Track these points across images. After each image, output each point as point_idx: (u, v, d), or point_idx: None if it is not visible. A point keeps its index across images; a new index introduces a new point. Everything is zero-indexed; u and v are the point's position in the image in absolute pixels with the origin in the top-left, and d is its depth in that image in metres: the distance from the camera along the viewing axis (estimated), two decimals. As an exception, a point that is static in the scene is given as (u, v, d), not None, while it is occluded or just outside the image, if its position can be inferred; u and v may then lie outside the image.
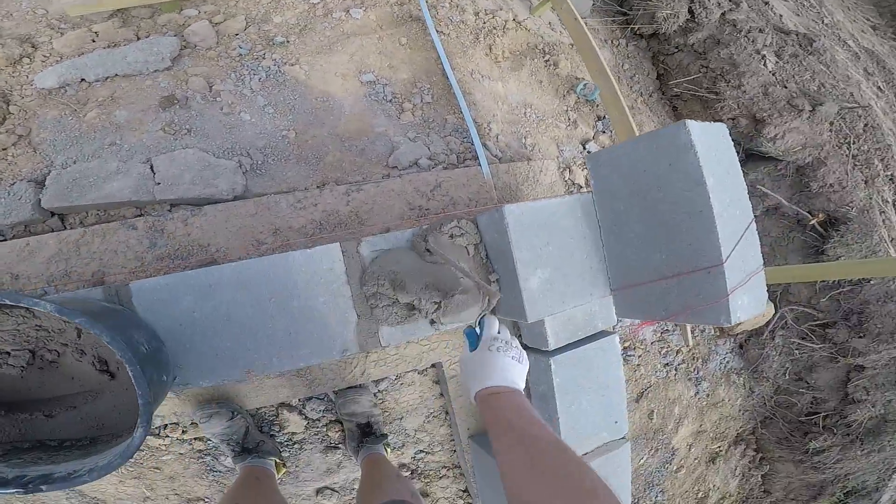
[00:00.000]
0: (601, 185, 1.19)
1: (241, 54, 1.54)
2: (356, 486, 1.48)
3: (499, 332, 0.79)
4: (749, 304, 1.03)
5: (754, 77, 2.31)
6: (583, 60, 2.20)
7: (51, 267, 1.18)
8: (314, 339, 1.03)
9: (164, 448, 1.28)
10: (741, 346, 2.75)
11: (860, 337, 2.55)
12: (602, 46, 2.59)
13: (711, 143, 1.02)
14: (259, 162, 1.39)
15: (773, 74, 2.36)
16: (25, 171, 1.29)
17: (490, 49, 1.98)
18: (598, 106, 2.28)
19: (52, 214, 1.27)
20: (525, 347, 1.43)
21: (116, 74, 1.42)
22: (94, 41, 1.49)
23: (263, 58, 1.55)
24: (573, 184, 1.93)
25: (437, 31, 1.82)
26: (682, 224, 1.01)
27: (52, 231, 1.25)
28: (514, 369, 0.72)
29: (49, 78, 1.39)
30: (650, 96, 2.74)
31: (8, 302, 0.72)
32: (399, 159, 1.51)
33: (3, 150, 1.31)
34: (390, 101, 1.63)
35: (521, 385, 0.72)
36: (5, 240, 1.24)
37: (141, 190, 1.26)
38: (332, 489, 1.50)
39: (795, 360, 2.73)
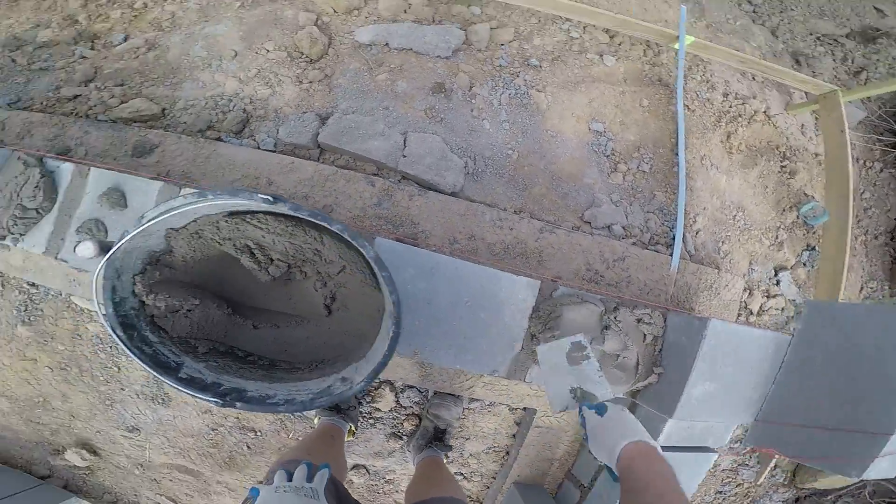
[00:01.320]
0: (808, 333, 1.16)
1: (501, 65, 1.65)
2: (388, 477, 1.57)
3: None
4: (886, 469, 1.03)
5: None
6: (826, 178, 1.90)
7: (298, 187, 1.45)
8: (480, 350, 1.14)
9: None
10: (797, 500, 2.33)
11: None
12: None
13: None
14: (480, 169, 1.51)
15: None
16: (317, 105, 1.59)
17: (728, 137, 1.81)
18: (814, 234, 1.96)
19: (318, 147, 1.55)
20: None
21: (411, 49, 1.64)
22: (405, 11, 1.72)
23: (517, 76, 1.65)
24: (746, 308, 1.73)
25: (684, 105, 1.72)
26: (875, 392, 1.02)
27: (311, 160, 1.53)
28: (640, 429, 0.75)
29: (366, 34, 1.66)
30: (875, 238, 2.27)
31: (347, 237, 0.82)
32: (595, 216, 1.51)
33: (310, 83, 1.62)
34: (608, 156, 1.62)
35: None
36: (275, 152, 1.56)
37: (391, 156, 1.47)
38: (368, 470, 1.58)
39: None
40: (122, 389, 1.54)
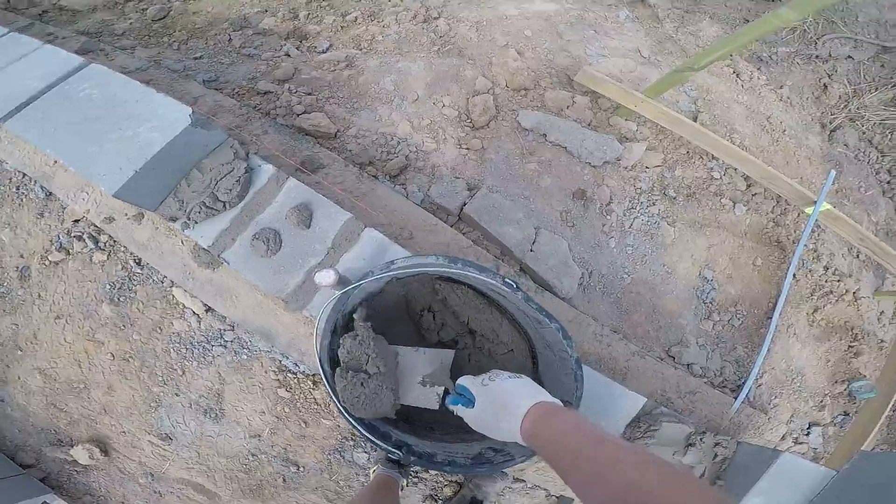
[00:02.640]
0: (853, 474, 1.27)
1: (641, 189, 1.73)
2: None
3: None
4: None
5: None
6: (886, 363, 1.97)
7: (433, 249, 1.52)
8: None
9: (322, 409, 1.40)
10: None
11: None
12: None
13: None
14: (593, 284, 1.63)
15: None
16: (467, 174, 1.69)
17: (815, 311, 1.89)
18: (855, 404, 2.05)
19: (458, 216, 1.67)
20: None
21: (566, 148, 1.72)
22: (568, 107, 1.79)
23: (653, 204, 1.73)
24: (775, 448, 1.86)
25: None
26: None
27: (448, 225, 1.64)
28: (526, 384, 0.65)
29: (529, 119, 1.74)
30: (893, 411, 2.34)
31: (561, 336, 0.81)
32: (682, 354, 1.63)
33: (468, 149, 1.73)
34: (706, 303, 1.72)
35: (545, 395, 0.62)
36: (420, 206, 1.61)
37: (519, 246, 1.59)
38: None
39: None
40: (177, 395, 1.44)
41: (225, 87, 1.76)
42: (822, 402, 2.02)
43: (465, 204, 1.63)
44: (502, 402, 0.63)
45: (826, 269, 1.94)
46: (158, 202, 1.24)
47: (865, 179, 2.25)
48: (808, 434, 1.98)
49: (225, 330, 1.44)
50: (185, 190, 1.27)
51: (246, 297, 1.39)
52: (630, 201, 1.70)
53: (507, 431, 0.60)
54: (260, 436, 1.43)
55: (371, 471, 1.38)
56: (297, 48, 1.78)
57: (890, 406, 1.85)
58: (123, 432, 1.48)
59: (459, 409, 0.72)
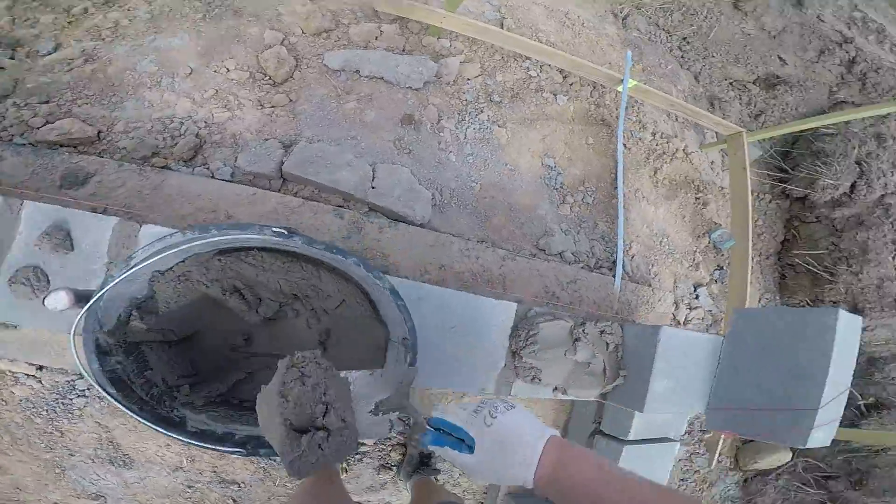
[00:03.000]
0: (737, 333, 1.37)
1: (467, 100, 1.70)
2: None
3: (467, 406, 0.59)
4: (821, 438, 1.23)
5: (877, 268, 2.20)
6: (731, 210, 2.20)
7: (261, 221, 1.37)
8: (468, 371, 1.19)
9: None
10: (745, 481, 2.72)
11: (855, 489, 2.49)
12: (747, 200, 2.56)
13: (846, 328, 1.21)
14: (445, 201, 1.55)
15: (896, 269, 2.24)
16: (280, 132, 1.51)
17: (655, 172, 2.04)
18: (722, 255, 2.27)
19: (282, 178, 1.48)
20: (599, 433, 1.54)
21: (382, 78, 1.61)
22: (377, 38, 1.68)
23: (482, 111, 1.70)
24: (675, 318, 1.97)
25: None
26: (798, 379, 1.23)
27: (273, 191, 1.46)
28: (527, 417, 0.55)
29: (335, 59, 1.59)
30: (766, 258, 2.67)
31: (364, 271, 0.80)
32: (549, 245, 1.62)
33: (273, 107, 1.54)
34: (557, 189, 1.74)
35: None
36: (232, 182, 1.45)
37: (359, 188, 1.45)
38: None
39: (788, 499, 2.68)
40: (72, 455, 1.35)
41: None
42: (694, 260, 2.20)
43: (282, 163, 1.44)
44: (511, 446, 0.52)
45: (653, 134, 2.11)
46: None
47: (663, 57, 2.52)
48: (697, 297, 2.14)
49: (74, 380, 1.31)
50: None
51: (63, 340, 1.15)
52: (459, 114, 1.66)
53: (515, 479, 0.51)
54: (182, 467, 1.37)
55: None
56: (12, 57, 1.44)
57: (751, 249, 2.05)
58: (56, 502, 1.40)
59: (450, 454, 0.56)
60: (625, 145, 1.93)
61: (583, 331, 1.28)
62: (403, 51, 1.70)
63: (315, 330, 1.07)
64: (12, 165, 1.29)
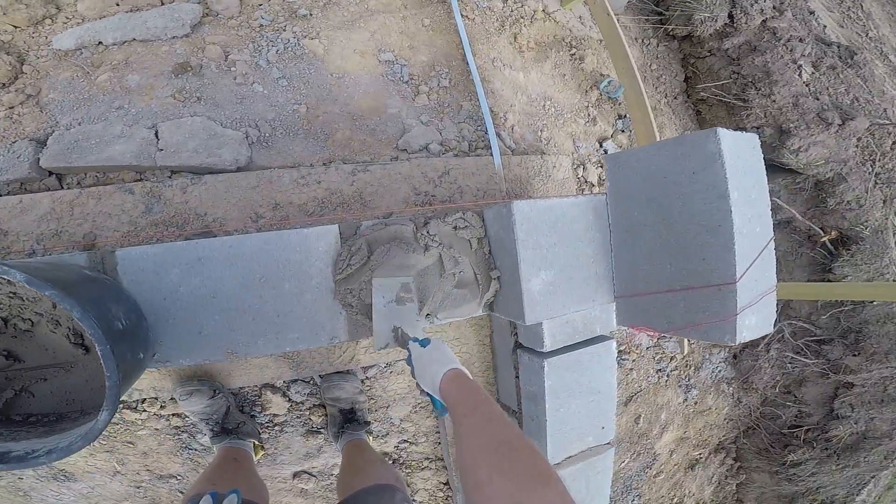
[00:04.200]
0: (617, 188, 1.05)
1: (262, 25, 1.38)
2: (335, 472, 1.40)
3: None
4: (756, 325, 0.91)
5: (787, 87, 2.06)
6: (610, 58, 1.99)
7: (41, 226, 1.07)
8: (304, 323, 0.92)
9: (139, 423, 1.19)
10: (735, 357, 2.60)
11: (855, 355, 2.41)
12: (631, 45, 2.35)
13: (741, 154, 0.88)
14: (267, 135, 1.25)
15: (807, 85, 2.11)
16: (29, 130, 1.17)
17: (515, 38, 1.78)
18: (620, 104, 2.07)
19: (51, 174, 1.15)
20: (519, 346, 1.33)
21: (134, 39, 1.28)
22: (118, 4, 1.34)
23: (284, 30, 1.39)
24: (586, 182, 1.76)
25: (462, 16, 1.63)
26: (699, 237, 0.89)
27: (48, 190, 1.14)
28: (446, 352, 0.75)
29: (67, 40, 1.26)
30: (674, 98, 2.50)
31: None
32: (409, 142, 1.35)
33: (10, 108, 1.19)
34: (406, 82, 1.47)
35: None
36: None
37: (143, 155, 1.14)
38: (311, 473, 1.41)
39: (787, 373, 2.59)
40: (21, 479, 1.23)
41: None
42: (589, 115, 1.99)
43: (38, 160, 1.12)
44: (440, 359, 0.73)
45: (505, 1, 1.85)
46: None
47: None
48: (605, 152, 1.93)
49: None
50: None
51: None
52: (253, 43, 1.35)
53: (430, 378, 0.71)
54: (119, 471, 1.27)
55: (214, 448, 1.19)
56: None
57: (644, 91, 1.85)
58: None
59: (414, 346, 0.79)
60: (468, 17, 1.66)
61: (427, 232, 1.00)
62: (162, 5, 1.37)
63: (59, 334, 0.81)
64: None
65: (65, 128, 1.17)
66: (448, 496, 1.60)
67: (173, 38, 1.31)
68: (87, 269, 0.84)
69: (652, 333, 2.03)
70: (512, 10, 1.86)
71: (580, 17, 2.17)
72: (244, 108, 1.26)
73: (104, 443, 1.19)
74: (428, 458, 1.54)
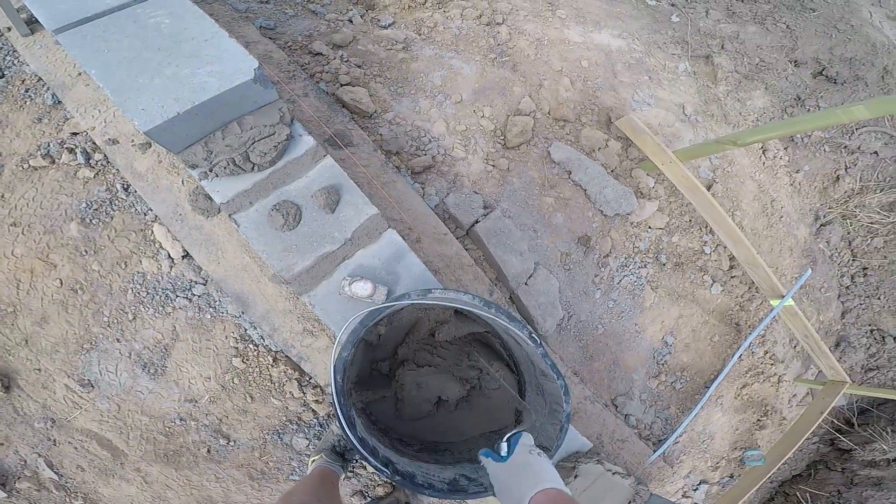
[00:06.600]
0: None
1: (639, 249, 1.71)
2: None
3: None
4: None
5: None
6: (781, 439, 2.12)
7: (435, 259, 1.51)
8: None
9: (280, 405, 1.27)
10: None
11: None
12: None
13: None
14: (569, 327, 1.64)
15: None
16: (487, 190, 1.60)
17: (743, 387, 2.01)
18: (742, 469, 2.27)
19: (466, 232, 1.61)
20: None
21: (586, 191, 1.65)
22: (600, 149, 1.69)
23: (645, 266, 1.71)
24: (684, 495, 2.08)
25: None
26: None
27: (457, 237, 1.59)
28: (556, 474, 0.66)
29: (560, 152, 1.64)
30: (770, 482, 2.59)
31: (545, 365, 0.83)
32: (625, 404, 1.72)
33: (493, 167, 1.62)
34: (659, 364, 1.79)
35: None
36: (434, 212, 1.57)
37: (516, 278, 1.57)
38: None
39: None
40: (118, 341, 1.23)
41: (280, 38, 1.57)
42: (717, 463, 2.22)
43: (477, 221, 1.58)
44: (529, 476, 0.64)
45: (766, 353, 2.05)
46: (185, 146, 1.10)
47: (829, 281, 2.32)
48: (696, 490, 2.19)
49: (196, 283, 1.26)
50: (218, 141, 1.12)
51: (233, 255, 1.27)
52: (626, 258, 1.70)
53: (514, 500, 0.63)
54: (197, 401, 1.26)
55: (311, 461, 1.26)
56: (362, 17, 1.56)
57: (768, 477, 2.03)
58: (38, 370, 1.24)
59: (487, 461, 0.73)
60: (740, 356, 1.91)
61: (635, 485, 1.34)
62: (614, 172, 1.71)
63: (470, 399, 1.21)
64: (308, 105, 1.45)
65: (502, 212, 1.60)
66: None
67: (600, 210, 1.66)
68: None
69: None
70: (763, 364, 2.06)
71: (793, 396, 2.31)
72: (578, 300, 1.65)
73: (236, 381, 1.25)
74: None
